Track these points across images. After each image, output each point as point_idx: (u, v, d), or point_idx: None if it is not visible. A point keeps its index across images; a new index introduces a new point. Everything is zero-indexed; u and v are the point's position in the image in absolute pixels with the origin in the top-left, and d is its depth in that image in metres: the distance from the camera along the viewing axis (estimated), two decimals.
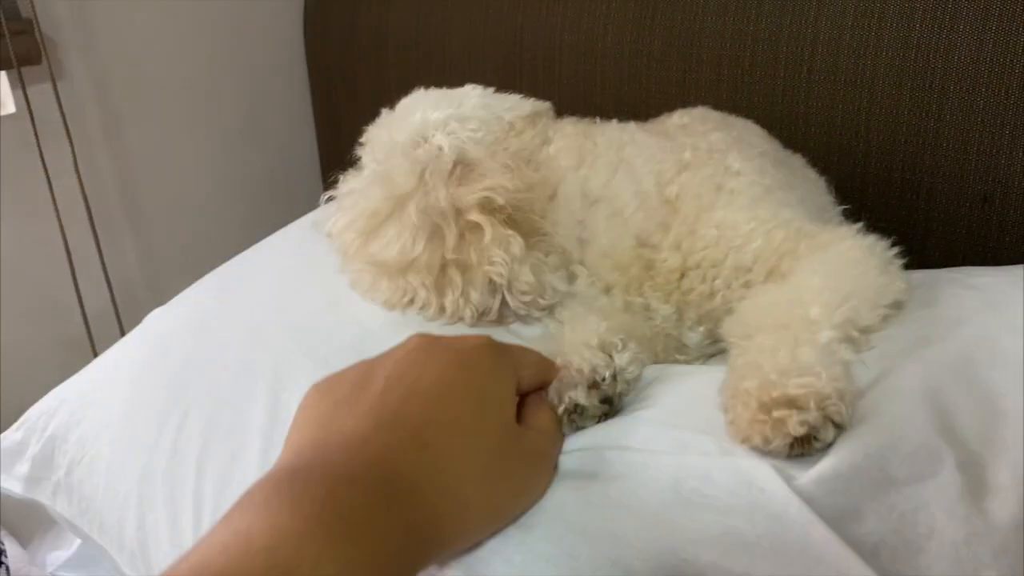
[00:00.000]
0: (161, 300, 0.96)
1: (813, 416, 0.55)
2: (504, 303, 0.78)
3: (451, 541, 0.47)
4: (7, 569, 1.03)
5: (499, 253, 0.75)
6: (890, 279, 0.70)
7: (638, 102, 1.18)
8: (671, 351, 0.79)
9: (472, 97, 0.86)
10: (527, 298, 0.77)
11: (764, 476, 0.54)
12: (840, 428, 0.56)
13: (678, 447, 0.58)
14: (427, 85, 0.90)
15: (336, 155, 1.64)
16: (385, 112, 0.89)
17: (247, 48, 1.58)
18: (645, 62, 1.16)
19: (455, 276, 0.76)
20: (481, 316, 0.78)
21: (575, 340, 0.67)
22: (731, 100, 1.08)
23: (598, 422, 0.64)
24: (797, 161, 0.92)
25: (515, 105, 0.86)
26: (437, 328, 0.78)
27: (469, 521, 0.48)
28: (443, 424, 0.48)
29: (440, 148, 0.80)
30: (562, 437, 0.61)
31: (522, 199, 0.78)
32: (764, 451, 0.56)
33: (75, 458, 0.83)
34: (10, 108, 1.26)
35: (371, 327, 0.79)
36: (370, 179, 0.84)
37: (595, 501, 0.55)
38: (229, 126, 1.59)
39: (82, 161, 1.32)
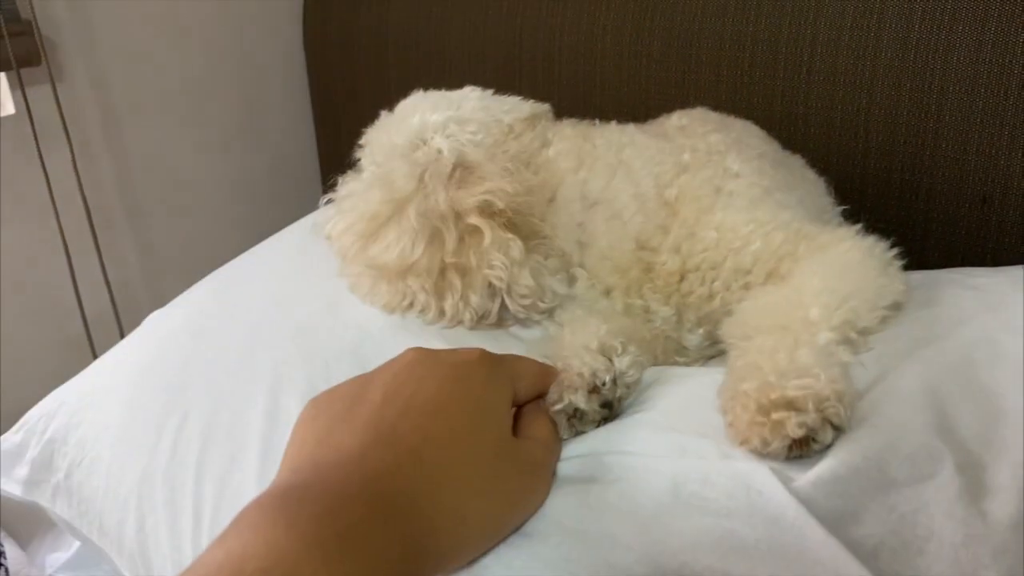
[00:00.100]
0: (160, 302, 0.96)
1: (812, 418, 0.55)
2: (503, 306, 0.78)
3: (449, 556, 0.47)
4: (6, 571, 1.03)
5: (499, 256, 0.75)
6: (889, 280, 0.70)
7: (637, 103, 1.18)
8: (671, 353, 0.80)
9: (471, 99, 0.86)
10: (527, 301, 0.77)
11: (762, 479, 0.54)
12: (839, 430, 0.56)
13: (676, 451, 0.58)
14: (426, 87, 0.90)
15: (335, 157, 1.64)
16: (384, 114, 0.89)
17: (246, 49, 1.58)
18: (644, 63, 1.16)
19: (455, 279, 0.76)
20: (480, 319, 0.78)
21: (575, 343, 0.67)
22: (730, 101, 1.08)
23: (598, 426, 0.64)
24: (796, 162, 0.92)
25: (514, 107, 0.86)
26: (437, 331, 0.78)
27: (467, 535, 0.48)
28: (439, 439, 0.48)
29: (439, 151, 0.80)
30: (559, 446, 0.61)
31: (521, 202, 0.77)
32: (763, 453, 0.56)
33: (75, 460, 0.83)
34: (9, 109, 1.26)
35: (370, 330, 0.79)
36: (369, 182, 0.84)
37: (594, 505, 0.55)
38: (228, 128, 1.59)
39: (81, 162, 1.32)
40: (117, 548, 0.78)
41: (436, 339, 0.77)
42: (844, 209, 0.91)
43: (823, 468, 0.54)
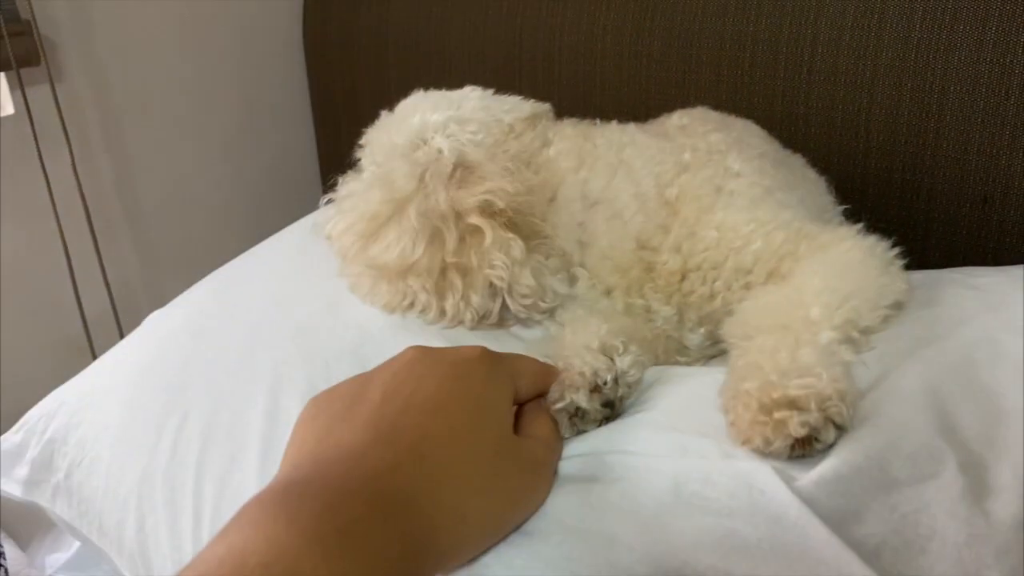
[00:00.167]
0: (160, 302, 0.96)
1: (814, 417, 0.55)
2: (504, 306, 0.78)
3: (449, 554, 0.47)
4: (6, 571, 1.03)
5: (499, 256, 0.75)
6: (891, 280, 0.70)
7: (638, 104, 1.18)
8: (672, 352, 0.79)
9: (471, 99, 0.86)
10: (528, 301, 0.77)
11: (764, 479, 0.54)
12: (841, 429, 0.56)
13: (678, 450, 0.58)
14: (426, 87, 0.90)
15: (335, 157, 1.64)
16: (384, 114, 0.89)
17: (246, 49, 1.58)
18: (644, 63, 1.16)
19: (455, 279, 0.76)
20: (481, 319, 0.78)
21: (576, 343, 0.67)
22: (731, 101, 1.08)
23: (599, 425, 0.64)
24: (797, 161, 0.92)
25: (515, 107, 0.86)
26: (437, 331, 0.78)
27: (467, 533, 0.48)
28: (439, 436, 0.48)
29: (440, 151, 0.80)
30: (561, 445, 0.61)
31: (522, 202, 0.77)
32: (765, 452, 0.56)
33: (75, 460, 0.83)
34: (9, 109, 1.26)
35: (371, 330, 0.79)
36: (370, 182, 0.84)
37: (595, 504, 0.55)
38: (228, 128, 1.59)
39: (81, 162, 1.32)
40: (117, 548, 0.78)
41: (437, 339, 0.77)
42: (845, 209, 0.91)
43: (825, 467, 0.54)
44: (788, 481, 0.53)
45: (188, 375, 0.81)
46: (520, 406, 0.60)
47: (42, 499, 0.86)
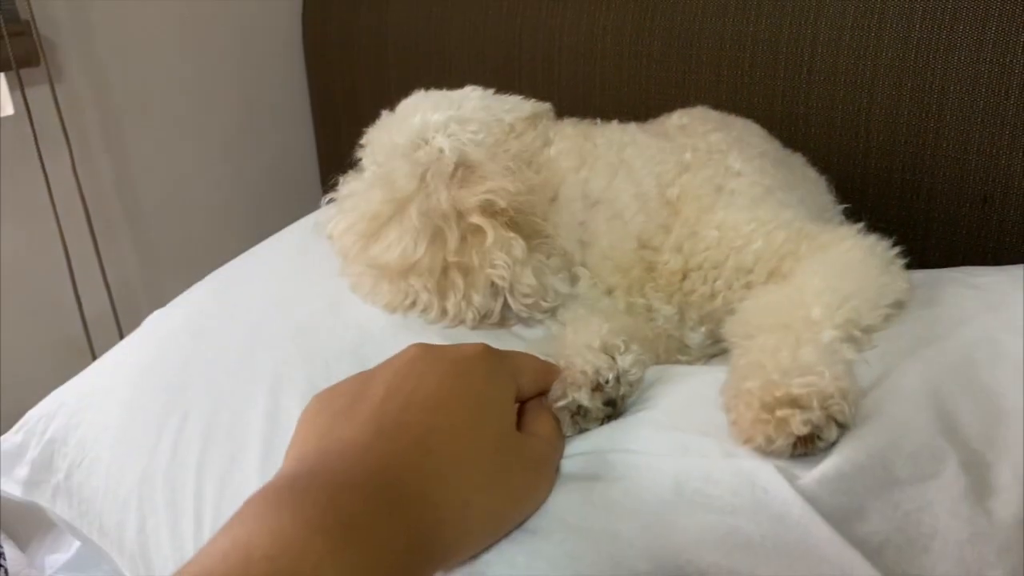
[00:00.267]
0: (160, 302, 0.96)
1: (816, 415, 0.55)
2: (506, 306, 0.78)
3: (454, 548, 0.47)
4: (6, 571, 1.02)
5: (501, 256, 0.75)
6: (891, 279, 0.70)
7: (637, 104, 1.18)
8: (673, 352, 0.80)
9: (472, 99, 0.86)
10: (529, 300, 0.77)
11: (767, 477, 0.54)
12: (843, 427, 0.56)
13: (679, 449, 0.58)
14: (427, 86, 0.90)
15: (335, 157, 1.64)
16: (385, 114, 0.89)
17: (246, 49, 1.58)
18: (644, 63, 1.16)
19: (457, 279, 0.76)
20: (483, 319, 0.78)
21: (578, 342, 0.67)
22: (731, 101, 1.08)
23: (601, 423, 0.64)
24: (797, 160, 0.93)
25: (515, 107, 0.86)
26: (438, 331, 0.78)
27: (471, 527, 0.48)
28: (444, 431, 0.48)
29: (441, 150, 0.80)
30: (563, 443, 0.61)
31: (523, 201, 0.77)
32: (767, 451, 0.56)
33: (75, 461, 0.83)
34: (8, 110, 1.26)
35: (371, 330, 0.79)
36: (370, 181, 0.84)
37: (597, 502, 0.55)
38: (228, 128, 1.59)
39: (80, 163, 1.32)
40: (118, 548, 0.78)
41: (438, 339, 0.77)
42: (845, 208, 0.91)
43: (828, 466, 0.54)
44: (791, 479, 0.53)
45: (188, 375, 0.81)
46: (522, 404, 0.60)
47: (42, 499, 0.86)
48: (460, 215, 0.76)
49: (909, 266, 0.74)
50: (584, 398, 0.62)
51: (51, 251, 1.31)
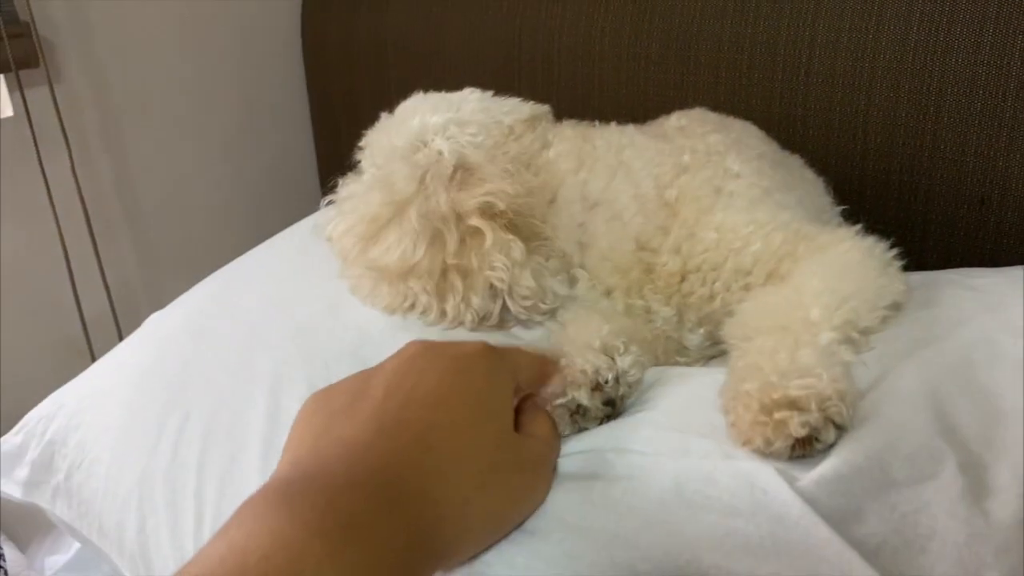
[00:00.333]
0: (159, 304, 0.96)
1: (814, 417, 0.55)
2: (505, 308, 0.78)
3: (454, 546, 0.47)
4: (6, 573, 1.03)
5: (500, 258, 0.75)
6: (889, 280, 0.70)
7: (636, 105, 1.18)
8: (672, 353, 0.80)
9: (471, 101, 0.86)
10: (528, 303, 0.77)
11: (766, 478, 0.54)
12: (841, 429, 0.56)
13: (679, 450, 0.58)
14: (425, 89, 0.90)
15: (334, 159, 1.64)
16: (384, 116, 0.90)
17: (245, 51, 1.58)
18: (643, 65, 1.16)
19: (456, 281, 0.76)
20: (482, 321, 0.78)
21: (578, 341, 0.68)
22: (729, 103, 1.08)
23: (600, 424, 0.64)
24: (795, 162, 0.93)
25: (514, 109, 0.86)
26: (438, 332, 0.78)
27: (471, 525, 0.48)
28: (444, 427, 0.48)
29: (440, 152, 0.80)
30: (559, 443, 0.61)
31: (522, 203, 0.78)
32: (766, 453, 0.56)
33: (74, 462, 0.83)
34: (7, 111, 1.26)
35: (371, 332, 0.79)
36: (370, 184, 0.84)
37: (597, 503, 0.55)
38: (227, 130, 1.59)
39: (80, 164, 1.32)
40: (118, 549, 0.78)
41: (437, 339, 0.77)
42: (843, 210, 0.91)
43: (826, 467, 0.54)
44: (790, 481, 0.54)
45: (189, 375, 0.81)
46: (519, 404, 0.60)
47: (42, 500, 0.86)
48: (459, 217, 0.76)
49: (907, 267, 0.74)
50: (583, 397, 0.63)
51: (50, 252, 1.31)
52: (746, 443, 0.57)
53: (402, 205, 0.78)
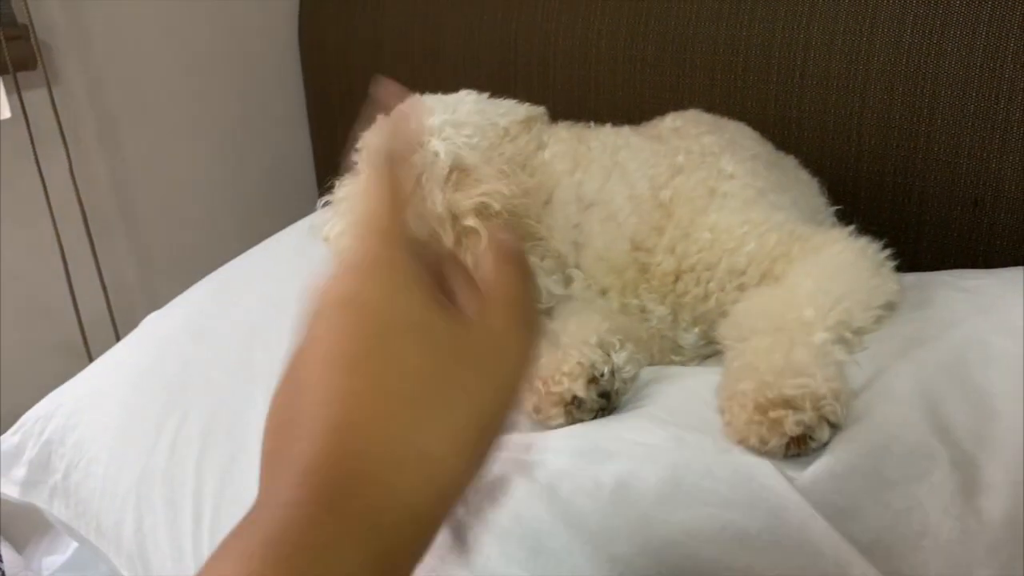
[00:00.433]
0: (156, 304, 0.96)
1: (809, 416, 0.55)
2: None
3: (427, 501, 0.39)
4: (3, 573, 1.03)
5: None
6: (882, 280, 0.71)
7: (632, 107, 1.18)
8: (667, 352, 0.80)
9: (467, 103, 0.86)
10: None
11: (764, 472, 0.55)
12: (835, 428, 0.57)
13: (676, 443, 0.59)
14: (422, 91, 0.90)
15: (331, 160, 1.64)
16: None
17: (242, 53, 1.58)
18: (639, 67, 1.17)
19: None
20: None
21: (576, 337, 0.69)
22: (724, 105, 1.08)
23: (595, 417, 0.65)
24: (790, 162, 0.93)
25: (510, 110, 0.87)
26: None
27: (432, 472, 0.39)
28: (366, 394, 0.40)
29: (436, 154, 0.80)
30: (519, 287, 0.45)
31: (518, 204, 0.78)
32: (761, 451, 0.56)
33: (72, 461, 0.83)
34: (6, 113, 1.26)
35: None
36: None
37: (594, 495, 0.56)
38: (224, 131, 1.59)
39: (77, 166, 1.32)
40: (115, 548, 0.78)
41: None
42: (838, 210, 0.91)
43: (820, 466, 0.55)
44: (787, 478, 0.54)
45: (188, 375, 0.82)
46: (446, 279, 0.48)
47: (39, 500, 0.86)
48: (455, 218, 0.77)
49: (901, 268, 0.75)
50: (579, 389, 0.64)
51: (48, 254, 1.31)
52: (741, 442, 0.57)
53: None
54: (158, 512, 0.75)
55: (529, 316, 0.45)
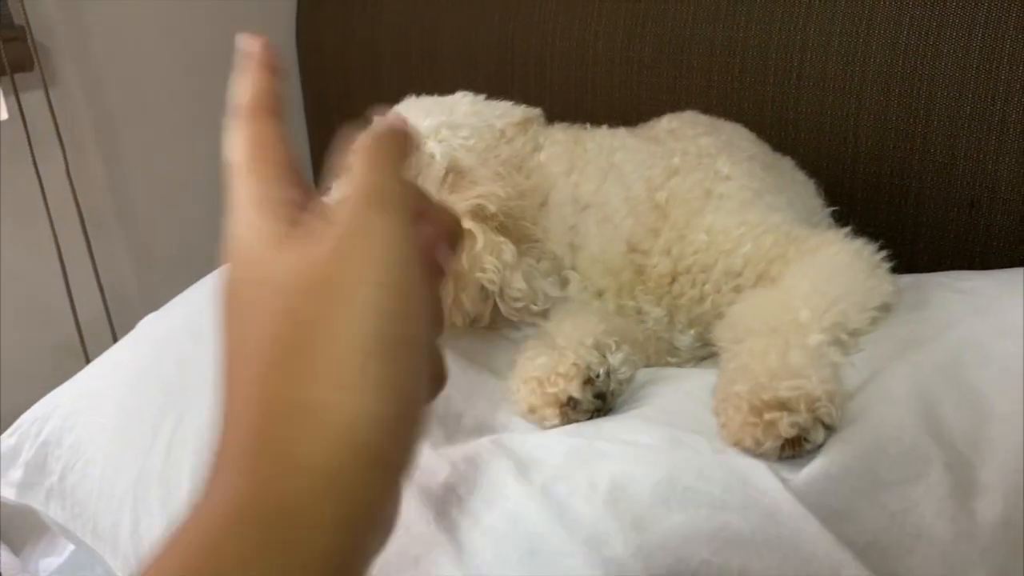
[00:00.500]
0: (153, 306, 0.96)
1: (804, 418, 0.55)
2: (496, 309, 0.78)
3: (329, 453, 0.31)
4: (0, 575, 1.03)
5: (491, 260, 0.75)
6: (878, 282, 0.71)
7: (629, 109, 1.18)
8: (663, 354, 0.80)
9: (463, 104, 0.86)
10: (519, 304, 0.77)
11: (759, 474, 0.55)
12: (830, 430, 0.57)
13: (671, 443, 0.59)
14: (419, 92, 0.90)
15: (328, 162, 1.64)
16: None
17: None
18: (636, 69, 1.17)
19: (447, 283, 0.77)
20: (473, 322, 0.79)
21: (572, 338, 0.69)
22: (721, 107, 1.08)
23: (590, 418, 0.65)
24: (786, 163, 0.93)
25: (506, 112, 0.87)
26: None
27: (322, 414, 0.31)
28: (232, 375, 0.36)
29: (432, 155, 0.80)
30: (374, 181, 0.36)
31: (513, 206, 0.78)
32: (756, 453, 0.56)
33: (69, 463, 0.83)
34: (3, 115, 1.26)
35: None
36: None
37: (588, 497, 0.56)
38: (222, 132, 1.59)
39: (75, 167, 1.32)
40: (111, 550, 0.78)
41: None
42: (834, 212, 0.92)
43: (815, 468, 0.55)
44: (781, 480, 0.54)
45: (184, 376, 0.82)
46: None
47: (36, 502, 0.86)
48: None
49: (897, 269, 0.75)
50: (575, 389, 0.64)
51: (45, 254, 1.31)
52: (736, 444, 0.57)
53: None
54: (155, 514, 0.75)
55: (391, 196, 0.35)
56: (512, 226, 0.78)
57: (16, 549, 1.10)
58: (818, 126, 1.04)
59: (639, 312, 0.80)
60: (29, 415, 0.89)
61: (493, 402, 0.71)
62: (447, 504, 0.59)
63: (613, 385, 0.67)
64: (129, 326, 0.96)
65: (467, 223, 0.76)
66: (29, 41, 1.23)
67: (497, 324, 0.80)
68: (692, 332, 0.80)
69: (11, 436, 0.89)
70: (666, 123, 0.90)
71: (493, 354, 0.79)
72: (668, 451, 0.58)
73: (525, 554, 0.53)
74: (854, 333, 0.67)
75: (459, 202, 0.77)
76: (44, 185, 1.28)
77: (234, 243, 0.37)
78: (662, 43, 1.14)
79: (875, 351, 0.66)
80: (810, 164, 0.95)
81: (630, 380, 0.69)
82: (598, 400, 0.65)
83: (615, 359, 0.68)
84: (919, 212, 0.99)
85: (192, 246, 1.53)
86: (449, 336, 0.78)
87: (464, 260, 0.76)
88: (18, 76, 1.23)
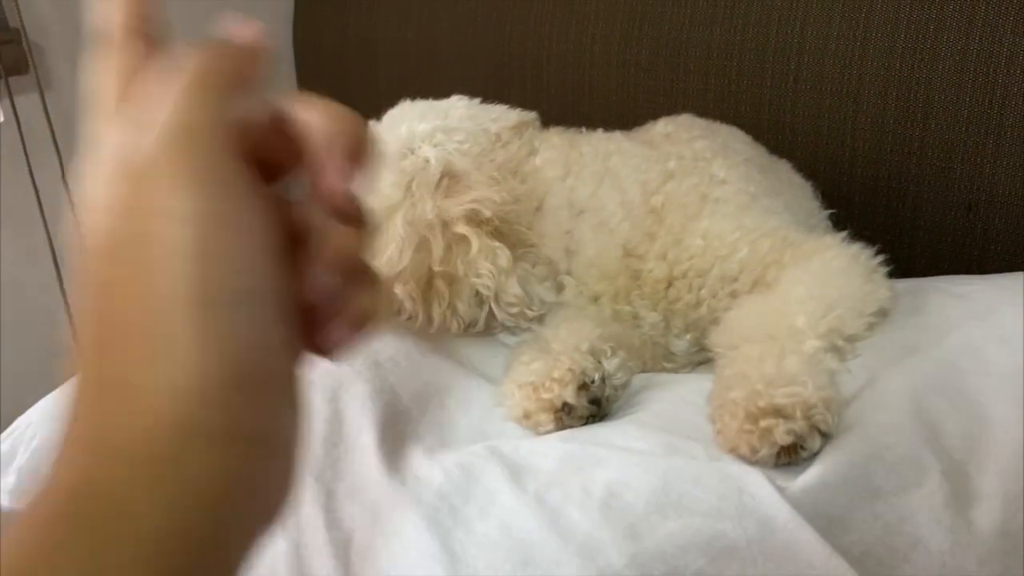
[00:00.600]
0: None
1: (799, 425, 0.55)
2: (491, 314, 0.78)
3: (203, 424, 0.27)
4: None
5: (486, 265, 0.75)
6: (875, 287, 0.71)
7: (626, 112, 1.18)
8: (659, 359, 0.80)
9: (458, 108, 0.86)
10: (514, 310, 0.77)
11: (754, 481, 0.54)
12: (826, 437, 0.56)
13: (667, 449, 0.59)
14: (415, 96, 0.90)
15: None
16: (372, 123, 0.89)
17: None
18: (633, 72, 1.16)
19: (442, 288, 0.76)
20: (468, 327, 0.78)
21: (568, 343, 0.69)
22: (718, 110, 1.08)
23: (585, 423, 0.65)
24: (783, 167, 0.93)
25: (501, 116, 0.86)
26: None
27: (204, 359, 0.27)
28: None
29: (427, 160, 0.80)
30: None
31: (509, 211, 0.78)
32: (752, 460, 0.56)
33: None
34: None
35: None
36: None
37: (583, 505, 0.55)
38: None
39: (70, 170, 1.32)
40: None
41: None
42: (831, 215, 0.91)
43: (811, 475, 0.54)
44: (777, 488, 0.54)
45: None
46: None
47: None
48: (445, 224, 0.76)
49: (894, 273, 0.74)
50: (569, 395, 0.64)
51: (41, 258, 1.31)
52: (732, 451, 0.57)
53: (389, 212, 0.78)
54: None
55: (199, 137, 0.28)
56: (507, 231, 0.78)
57: None
58: (815, 129, 1.03)
59: (635, 317, 0.80)
60: (23, 419, 0.89)
61: (487, 408, 0.71)
62: (440, 512, 0.59)
63: (608, 391, 0.67)
64: None
65: (462, 228, 0.76)
66: (24, 43, 1.23)
67: (492, 329, 0.80)
68: (688, 337, 0.80)
69: (5, 441, 0.88)
70: (662, 127, 0.90)
71: (488, 359, 0.78)
72: (663, 457, 0.58)
73: (518, 564, 0.52)
74: (850, 339, 0.66)
75: (454, 207, 0.76)
76: (39, 188, 1.28)
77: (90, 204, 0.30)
78: (659, 46, 1.13)
79: (872, 357, 0.65)
80: (807, 167, 0.95)
81: (626, 385, 0.69)
82: (593, 406, 0.65)
83: (611, 364, 0.67)
84: (916, 215, 0.99)
85: None
86: (444, 341, 0.78)
87: (459, 265, 0.76)
88: (13, 79, 1.23)
